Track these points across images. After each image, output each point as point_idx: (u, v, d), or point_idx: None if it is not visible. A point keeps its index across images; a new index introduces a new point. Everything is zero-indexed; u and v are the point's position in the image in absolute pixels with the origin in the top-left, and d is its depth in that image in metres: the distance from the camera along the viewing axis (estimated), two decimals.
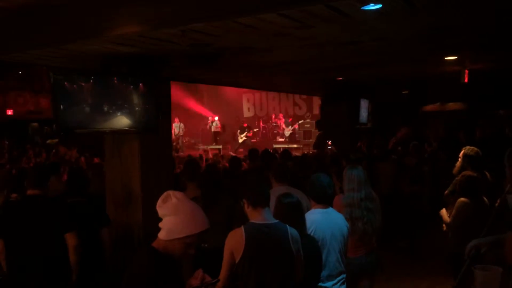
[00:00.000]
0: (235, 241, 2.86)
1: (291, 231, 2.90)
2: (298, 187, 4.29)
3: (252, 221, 2.92)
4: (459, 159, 5.13)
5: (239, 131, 17.21)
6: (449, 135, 10.36)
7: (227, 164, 7.82)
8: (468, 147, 5.08)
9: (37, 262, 3.61)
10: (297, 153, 10.70)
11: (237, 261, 2.83)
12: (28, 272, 3.61)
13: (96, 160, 10.34)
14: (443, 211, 4.72)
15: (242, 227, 2.88)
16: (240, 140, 16.93)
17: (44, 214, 3.70)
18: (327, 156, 7.83)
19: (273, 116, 18.59)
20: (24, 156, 13.08)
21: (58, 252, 3.67)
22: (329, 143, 10.10)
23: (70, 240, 3.68)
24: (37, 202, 3.73)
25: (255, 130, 18.09)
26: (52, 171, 5.99)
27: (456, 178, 5.00)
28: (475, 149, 5.00)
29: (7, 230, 3.69)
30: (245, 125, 17.57)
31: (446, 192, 5.13)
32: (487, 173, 4.97)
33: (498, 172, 3.76)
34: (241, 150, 15.74)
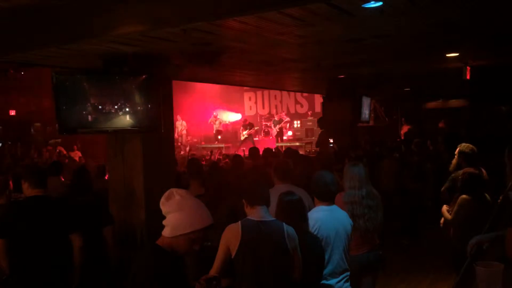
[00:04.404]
0: (231, 235, 2.87)
1: (288, 229, 2.90)
2: (303, 186, 4.28)
3: (249, 217, 2.95)
4: (455, 156, 5.13)
5: (241, 128, 17.18)
6: (452, 132, 10.35)
7: (229, 163, 7.83)
8: (463, 144, 5.06)
9: (42, 263, 3.58)
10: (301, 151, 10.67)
11: (233, 255, 2.85)
12: (32, 272, 3.58)
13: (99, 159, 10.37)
14: (444, 208, 4.73)
15: (239, 222, 2.90)
16: (242, 137, 16.90)
17: (50, 214, 3.67)
18: (330, 154, 7.83)
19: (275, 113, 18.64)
20: (27, 156, 13.11)
21: (63, 253, 3.66)
22: (331, 141, 10.08)
23: (75, 241, 3.67)
24: (42, 203, 3.69)
25: (256, 128, 18.07)
26: (56, 171, 6.03)
27: (452, 175, 5.01)
28: (471, 146, 4.98)
29: (12, 230, 3.62)
30: (247, 122, 17.54)
31: (442, 188, 5.13)
32: (483, 169, 4.97)
33: (496, 169, 3.76)
34: (243, 148, 15.73)
